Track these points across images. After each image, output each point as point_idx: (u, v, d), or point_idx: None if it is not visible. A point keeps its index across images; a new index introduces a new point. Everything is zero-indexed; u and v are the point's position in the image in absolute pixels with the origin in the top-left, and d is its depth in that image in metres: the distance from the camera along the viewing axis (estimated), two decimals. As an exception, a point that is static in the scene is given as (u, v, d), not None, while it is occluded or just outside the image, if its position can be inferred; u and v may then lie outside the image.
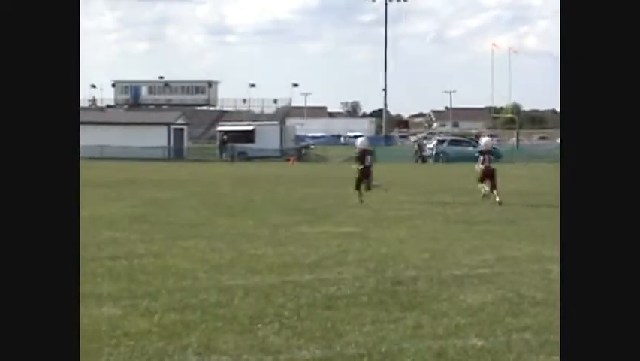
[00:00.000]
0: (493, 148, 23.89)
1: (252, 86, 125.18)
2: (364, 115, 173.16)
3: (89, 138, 65.31)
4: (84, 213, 19.02)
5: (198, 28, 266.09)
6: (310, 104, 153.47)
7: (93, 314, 8.31)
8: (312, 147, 73.14)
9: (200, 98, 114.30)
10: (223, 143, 64.00)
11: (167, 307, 8.65)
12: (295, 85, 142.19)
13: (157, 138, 66.09)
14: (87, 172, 41.32)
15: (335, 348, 7.22)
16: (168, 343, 7.29)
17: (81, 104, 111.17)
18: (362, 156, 22.81)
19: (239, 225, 16.76)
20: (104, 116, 79.87)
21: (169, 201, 22.98)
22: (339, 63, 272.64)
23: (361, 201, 21.95)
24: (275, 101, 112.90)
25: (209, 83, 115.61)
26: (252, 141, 65.35)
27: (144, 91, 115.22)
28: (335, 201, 23.21)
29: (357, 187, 22.47)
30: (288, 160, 59.75)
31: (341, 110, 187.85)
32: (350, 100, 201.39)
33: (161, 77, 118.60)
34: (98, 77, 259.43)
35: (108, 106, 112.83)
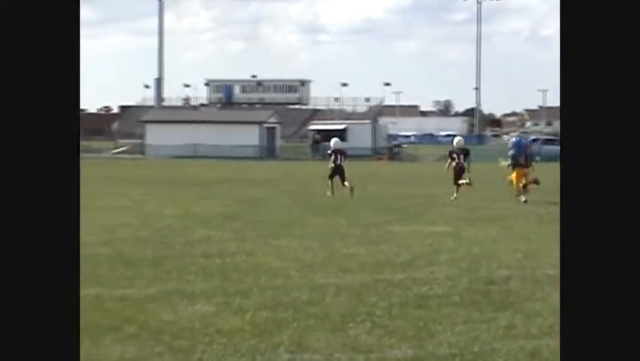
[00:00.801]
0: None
1: (344, 85, 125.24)
2: (456, 114, 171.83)
3: (182, 136, 66.59)
4: (176, 211, 19.40)
5: (292, 27, 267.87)
6: (402, 102, 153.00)
7: (186, 312, 8.46)
8: (405, 146, 72.90)
9: (292, 96, 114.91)
10: (317, 142, 64.27)
11: (260, 305, 8.75)
12: (387, 84, 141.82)
13: (249, 137, 66.78)
14: (180, 171, 42.05)
15: (427, 348, 7.21)
16: (260, 341, 7.38)
17: (174, 103, 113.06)
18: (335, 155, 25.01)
19: (331, 224, 16.82)
20: (197, 115, 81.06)
21: (261, 200, 23.21)
22: (431, 62, 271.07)
23: (332, 193, 23.91)
24: (367, 99, 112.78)
25: (302, 82, 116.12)
26: (344, 139, 65.52)
27: (237, 90, 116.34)
28: (427, 200, 23.12)
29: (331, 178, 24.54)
30: (380, 159, 59.65)
31: (433, 109, 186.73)
32: (442, 99, 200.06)
33: (254, 76, 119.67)
34: (191, 76, 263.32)
35: (201, 105, 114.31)
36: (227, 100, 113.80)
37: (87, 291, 9.34)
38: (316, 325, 7.94)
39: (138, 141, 76.18)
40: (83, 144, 76.07)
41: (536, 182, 23.25)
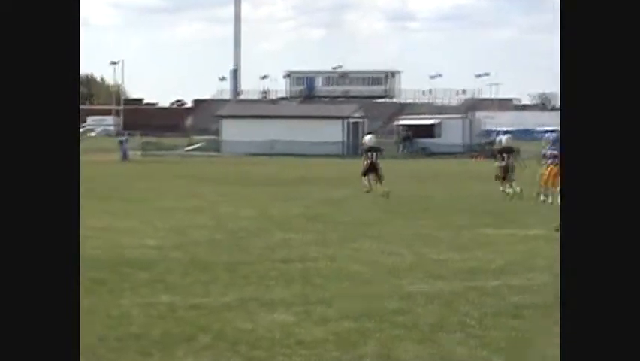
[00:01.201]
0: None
1: (435, 77, 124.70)
2: (553, 108, 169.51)
3: (260, 132, 66.99)
4: (253, 212, 19.58)
5: (378, 14, 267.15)
6: (495, 95, 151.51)
7: (265, 321, 8.54)
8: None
9: (378, 89, 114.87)
10: (407, 138, 64.05)
11: (343, 315, 8.78)
12: (479, 75, 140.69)
13: (332, 133, 66.81)
14: (257, 169, 42.39)
15: (523, 362, 7.17)
16: (344, 352, 7.41)
17: (252, 96, 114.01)
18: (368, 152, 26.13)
19: (419, 226, 16.79)
20: (275, 109, 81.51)
21: (344, 201, 23.27)
22: (527, 52, 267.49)
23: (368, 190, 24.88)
24: (460, 92, 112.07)
25: (389, 74, 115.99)
26: (434, 135, 65.20)
27: (319, 82, 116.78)
28: (522, 202, 22.89)
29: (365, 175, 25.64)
30: (473, 157, 59.20)
31: (528, 103, 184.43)
32: (539, 91, 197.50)
33: (338, 67, 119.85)
34: (269, 67, 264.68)
35: (280, 98, 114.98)
36: (309, 93, 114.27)
37: (158, 298, 9.50)
38: (403, 335, 7.95)
39: (213, 137, 76.99)
40: (154, 140, 77.34)
41: None
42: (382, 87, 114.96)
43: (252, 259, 12.40)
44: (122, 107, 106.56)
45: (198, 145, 75.41)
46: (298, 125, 67.00)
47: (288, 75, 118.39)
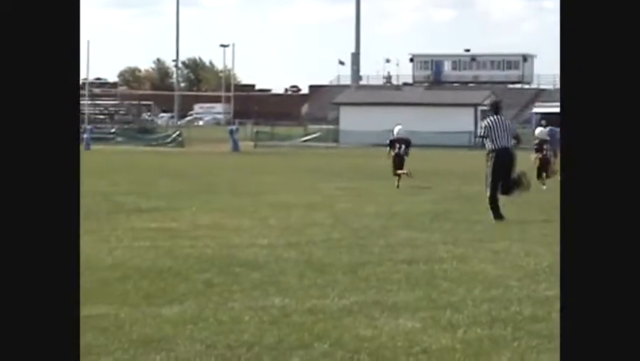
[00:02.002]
0: None
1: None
2: None
3: (382, 121, 66.89)
4: (375, 209, 19.60)
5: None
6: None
7: (387, 327, 8.53)
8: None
9: (513, 74, 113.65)
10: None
11: (473, 321, 8.72)
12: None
13: (462, 122, 66.45)
14: (378, 161, 42.33)
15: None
16: (474, 362, 7.37)
17: (373, 82, 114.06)
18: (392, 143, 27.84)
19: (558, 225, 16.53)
20: (399, 96, 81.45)
21: (476, 196, 23.08)
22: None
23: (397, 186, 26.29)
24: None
25: (524, 57, 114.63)
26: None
27: (447, 66, 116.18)
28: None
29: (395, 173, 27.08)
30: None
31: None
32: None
33: (467, 50, 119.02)
34: (393, 50, 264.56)
35: (405, 84, 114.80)
36: (436, 78, 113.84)
37: (271, 302, 9.58)
38: (541, 345, 7.85)
39: (330, 127, 77.35)
40: (267, 130, 78.13)
41: None
42: (516, 72, 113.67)
43: (373, 260, 12.41)
44: (232, 93, 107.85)
45: (315, 135, 75.90)
46: (424, 113, 66.80)
47: (413, 59, 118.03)
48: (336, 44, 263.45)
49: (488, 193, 17.80)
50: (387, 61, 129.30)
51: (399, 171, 27.03)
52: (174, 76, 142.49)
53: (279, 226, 16.26)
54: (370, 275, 11.20)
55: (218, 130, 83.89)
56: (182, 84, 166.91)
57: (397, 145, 27.75)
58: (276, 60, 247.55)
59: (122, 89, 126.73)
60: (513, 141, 18.06)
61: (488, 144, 17.79)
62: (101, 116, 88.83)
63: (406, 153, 27.39)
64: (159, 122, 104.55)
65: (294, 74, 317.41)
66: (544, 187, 26.70)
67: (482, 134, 18.05)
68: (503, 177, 17.77)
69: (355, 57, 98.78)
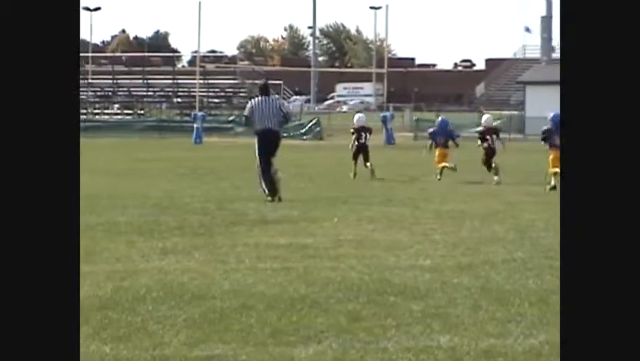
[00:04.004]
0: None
1: None
2: None
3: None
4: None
5: None
6: None
7: None
8: None
9: None
10: None
11: None
12: None
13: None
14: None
15: None
16: None
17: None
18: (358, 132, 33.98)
19: None
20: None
21: None
22: None
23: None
24: None
25: None
26: None
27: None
28: None
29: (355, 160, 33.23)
30: None
31: None
32: None
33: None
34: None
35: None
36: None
37: (436, 341, 9.57)
38: None
39: (514, 113, 76.70)
40: (431, 117, 77.92)
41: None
42: None
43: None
44: (385, 69, 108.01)
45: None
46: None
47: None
48: (521, 5, 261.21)
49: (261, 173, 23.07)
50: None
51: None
52: (310, 48, 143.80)
53: (447, 243, 16.21)
54: (567, 308, 11.07)
55: (368, 117, 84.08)
56: (321, 58, 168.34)
57: (361, 133, 34.31)
58: (443, 27, 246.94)
59: (243, 64, 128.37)
60: (282, 121, 23.23)
61: (254, 125, 22.81)
62: (216, 100, 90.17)
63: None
64: (291, 107, 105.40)
65: (466, 44, 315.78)
66: (496, 178, 30.42)
67: (246, 114, 23.32)
68: (269, 158, 22.70)
69: (546, 22, 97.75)
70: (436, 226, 18.57)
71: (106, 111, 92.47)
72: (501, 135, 34.10)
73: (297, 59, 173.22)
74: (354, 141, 33.83)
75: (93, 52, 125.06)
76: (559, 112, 29.86)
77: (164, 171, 34.22)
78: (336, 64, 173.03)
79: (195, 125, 64.72)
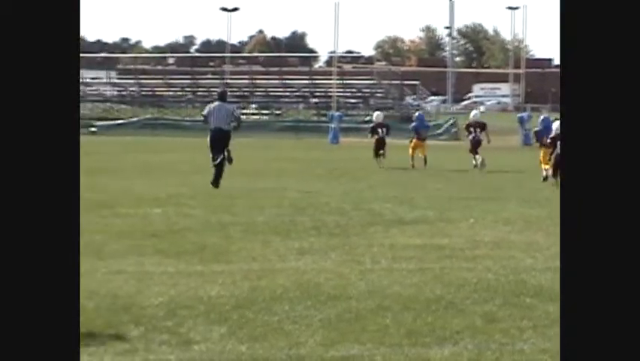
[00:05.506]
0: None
1: None
2: None
3: None
4: None
5: None
6: None
7: None
8: None
9: None
10: None
11: None
12: None
13: None
14: None
15: None
16: None
17: None
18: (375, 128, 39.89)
19: None
20: None
21: None
22: None
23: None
24: None
25: None
26: None
27: None
28: None
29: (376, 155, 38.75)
30: None
31: None
32: None
33: None
34: None
35: None
36: None
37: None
38: None
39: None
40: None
41: None
42: None
43: None
44: (522, 70, 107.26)
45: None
46: None
47: None
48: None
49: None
50: None
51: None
52: (447, 48, 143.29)
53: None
54: None
55: (505, 118, 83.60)
56: (458, 59, 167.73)
57: (379, 129, 39.94)
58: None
59: (380, 65, 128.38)
60: (233, 124, 27.34)
61: (209, 125, 27.22)
62: (353, 101, 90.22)
63: None
64: (428, 107, 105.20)
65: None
66: (476, 161, 36.85)
67: (205, 113, 27.90)
68: (218, 151, 26.66)
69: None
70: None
71: (244, 111, 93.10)
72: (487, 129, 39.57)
73: (434, 59, 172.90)
74: (372, 136, 39.56)
75: (231, 52, 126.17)
76: (548, 116, 37.58)
77: (300, 172, 34.33)
78: (474, 64, 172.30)
79: (332, 126, 64.84)
